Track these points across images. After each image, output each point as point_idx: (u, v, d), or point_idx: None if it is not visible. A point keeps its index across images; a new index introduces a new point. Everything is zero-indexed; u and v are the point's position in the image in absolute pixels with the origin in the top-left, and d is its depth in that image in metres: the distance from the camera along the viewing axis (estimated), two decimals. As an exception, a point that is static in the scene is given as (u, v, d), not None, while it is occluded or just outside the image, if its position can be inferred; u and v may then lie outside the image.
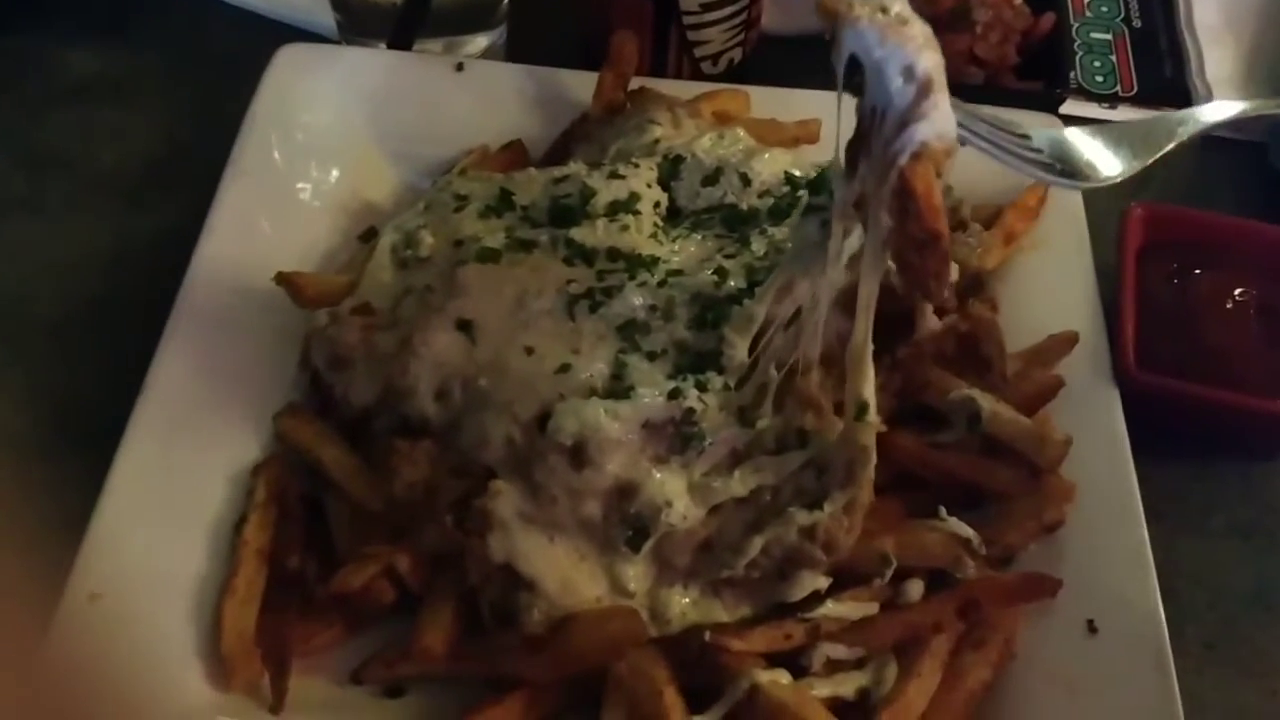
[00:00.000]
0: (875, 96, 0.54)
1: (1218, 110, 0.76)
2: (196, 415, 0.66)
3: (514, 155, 0.80)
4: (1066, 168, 0.69)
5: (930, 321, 0.67)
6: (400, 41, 0.85)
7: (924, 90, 0.53)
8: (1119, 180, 0.70)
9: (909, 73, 0.53)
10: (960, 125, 0.66)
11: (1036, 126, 0.72)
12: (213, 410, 0.66)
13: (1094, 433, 0.67)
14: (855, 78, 0.56)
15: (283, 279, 0.69)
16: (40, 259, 0.79)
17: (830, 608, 0.58)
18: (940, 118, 0.53)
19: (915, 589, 0.60)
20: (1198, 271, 0.76)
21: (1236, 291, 0.75)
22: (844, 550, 0.58)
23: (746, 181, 0.72)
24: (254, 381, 0.68)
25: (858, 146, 0.56)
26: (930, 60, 0.53)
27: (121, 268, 0.79)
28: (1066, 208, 0.78)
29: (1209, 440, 0.73)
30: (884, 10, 0.54)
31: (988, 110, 0.70)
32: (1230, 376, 0.71)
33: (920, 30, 0.54)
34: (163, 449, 0.64)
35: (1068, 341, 0.70)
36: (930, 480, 0.65)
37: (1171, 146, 0.72)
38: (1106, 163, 0.70)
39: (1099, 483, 0.65)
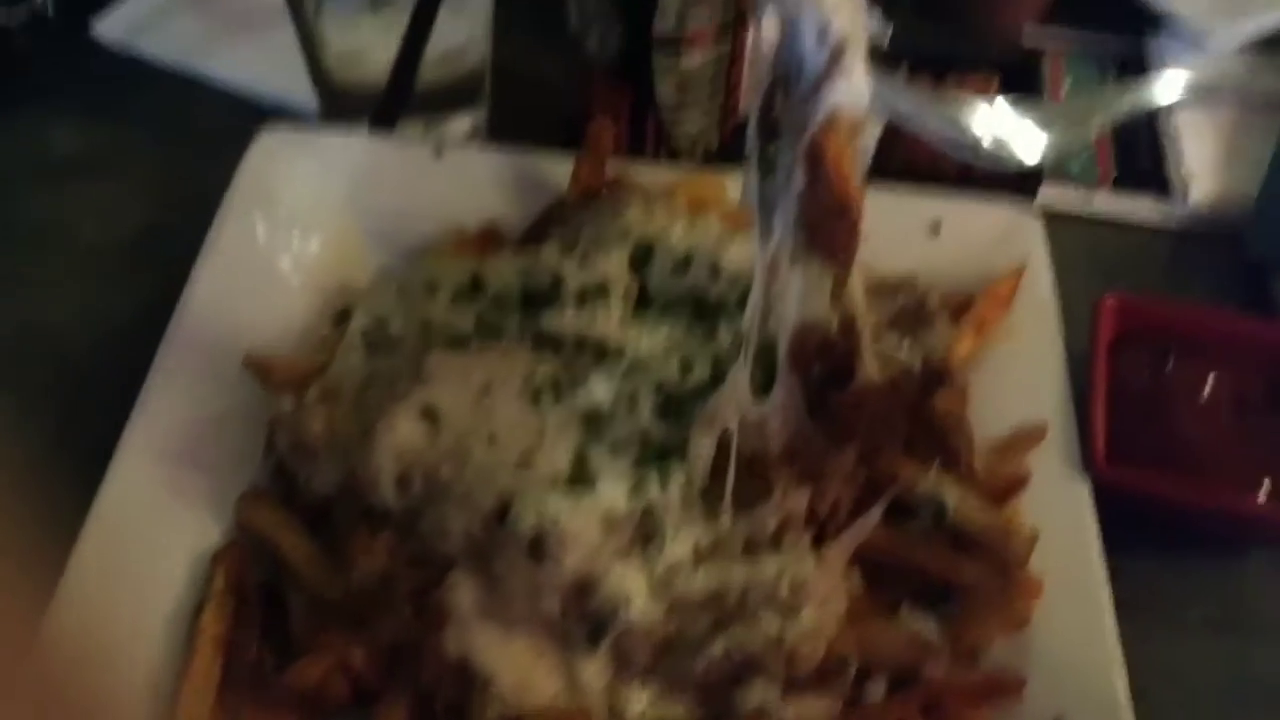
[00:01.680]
0: (789, 56, 0.54)
1: (1161, 87, 0.74)
2: (161, 499, 0.66)
3: (490, 239, 0.81)
4: (995, 147, 0.69)
5: (870, 369, 0.66)
6: (382, 124, 0.86)
7: (837, 52, 0.52)
8: (1046, 159, 0.69)
9: (822, 34, 0.52)
10: (887, 100, 0.66)
11: (971, 105, 0.71)
12: (177, 494, 0.66)
13: (1063, 526, 0.66)
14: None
15: (251, 362, 0.70)
16: (15, 337, 0.79)
17: (789, 710, 0.57)
18: (854, 84, 0.52)
19: (877, 689, 0.59)
20: (1171, 362, 0.76)
21: (1209, 383, 0.75)
22: (807, 667, 0.57)
23: (716, 270, 0.72)
24: (220, 464, 0.68)
25: (771, 101, 0.56)
26: (845, 21, 0.52)
27: (98, 346, 0.79)
28: (1038, 296, 0.78)
29: (1182, 533, 0.72)
30: None
31: (922, 90, 0.70)
32: (1204, 469, 0.71)
33: None
34: (126, 533, 0.64)
35: (1037, 434, 0.69)
36: (897, 573, 0.64)
37: (1103, 121, 0.72)
38: (1034, 142, 0.72)
39: (1068, 578, 0.64)
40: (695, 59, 0.80)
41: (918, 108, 0.65)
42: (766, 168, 0.58)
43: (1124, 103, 0.72)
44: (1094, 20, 1.04)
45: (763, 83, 0.57)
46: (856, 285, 0.60)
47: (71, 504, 0.65)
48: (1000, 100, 0.73)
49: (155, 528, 0.65)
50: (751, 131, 0.59)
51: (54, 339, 0.80)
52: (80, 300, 0.82)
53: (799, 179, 0.54)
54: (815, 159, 0.53)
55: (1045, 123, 0.69)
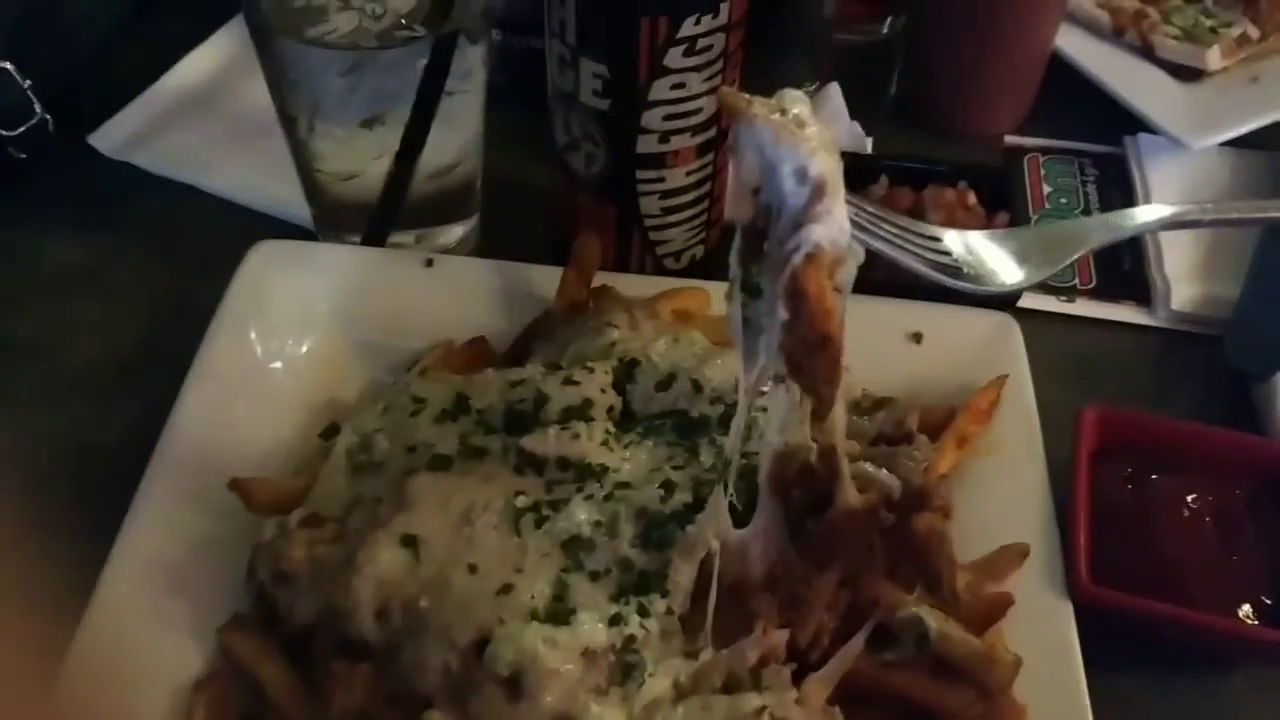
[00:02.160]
0: (769, 194, 0.55)
1: (1138, 215, 0.76)
2: (144, 626, 0.66)
3: (477, 352, 0.82)
4: (973, 271, 0.70)
5: (850, 496, 0.65)
6: (374, 237, 0.88)
7: (817, 193, 0.53)
8: (1024, 286, 0.72)
9: (802, 175, 0.53)
10: (865, 226, 0.68)
11: (950, 232, 0.72)
12: (161, 621, 0.66)
13: (1046, 650, 0.66)
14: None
15: (236, 485, 0.70)
16: (6, 456, 0.80)
17: None
18: (833, 223, 0.54)
19: (857, 824, 0.59)
20: (1153, 476, 0.76)
21: (1191, 498, 0.75)
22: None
23: (698, 388, 0.73)
24: (205, 590, 0.68)
25: (751, 241, 0.57)
26: (824, 164, 0.54)
27: (85, 465, 0.79)
28: (1020, 408, 0.78)
29: (1165, 650, 0.72)
30: (783, 111, 0.55)
31: (896, 216, 0.72)
32: (1186, 585, 0.71)
33: (816, 133, 0.55)
34: (108, 660, 0.64)
35: (1019, 555, 0.69)
36: (879, 699, 0.64)
37: (1081, 254, 0.73)
38: (1011, 269, 0.72)
39: (1050, 703, 0.64)
40: (679, 176, 0.82)
41: (895, 238, 0.66)
42: (751, 291, 0.59)
43: (1103, 233, 0.73)
44: (1073, 124, 1.06)
45: (743, 212, 0.58)
46: (838, 413, 0.61)
47: (54, 626, 0.65)
48: (976, 236, 0.75)
49: (137, 656, 0.65)
50: (734, 258, 0.60)
51: (41, 457, 0.80)
52: (70, 417, 0.83)
53: (781, 312, 0.55)
54: (797, 294, 0.54)
55: (1022, 255, 0.70)
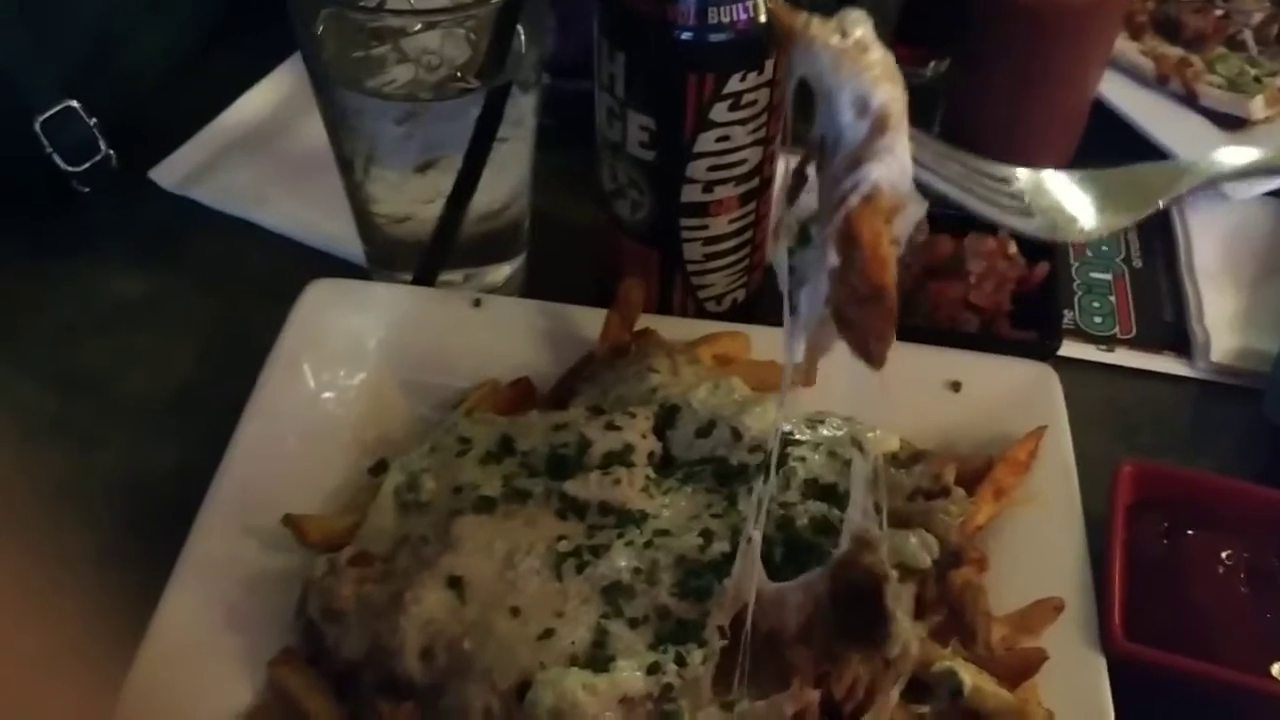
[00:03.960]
0: (825, 127, 0.50)
1: (1225, 157, 0.69)
2: (196, 658, 0.68)
3: (521, 393, 0.84)
4: (1046, 219, 0.64)
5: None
6: (425, 277, 0.90)
7: (878, 127, 0.48)
8: (1102, 234, 0.65)
9: (863, 106, 0.48)
10: (928, 165, 0.60)
11: (1023, 171, 0.66)
12: (212, 654, 0.68)
13: (1078, 705, 0.67)
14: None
15: (289, 521, 0.72)
16: (61, 488, 0.83)
17: None
18: (895, 163, 0.49)
19: None
20: (1189, 532, 0.76)
21: (1225, 554, 0.75)
22: None
23: (738, 436, 0.74)
24: (257, 623, 0.70)
25: (801, 180, 0.53)
26: (887, 93, 0.49)
27: (142, 498, 0.82)
28: (1058, 460, 0.79)
29: (1197, 708, 0.72)
30: (843, 34, 0.50)
31: (964, 154, 0.66)
32: (1219, 644, 0.71)
33: (880, 59, 0.50)
34: (162, 692, 0.66)
35: (1054, 609, 0.70)
36: (912, 751, 0.65)
37: (1165, 203, 0.66)
38: (1089, 215, 0.65)
39: (1083, 759, 0.65)
40: (722, 224, 0.84)
41: (962, 180, 0.62)
42: (803, 239, 0.55)
43: (1190, 177, 0.66)
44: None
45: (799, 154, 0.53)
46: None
47: (110, 657, 0.67)
48: (1051, 176, 0.68)
49: (190, 686, 0.67)
50: (781, 201, 0.56)
51: (97, 489, 0.83)
52: (125, 449, 0.85)
53: (831, 258, 0.50)
54: (850, 240, 0.49)
55: (1102, 200, 0.65)
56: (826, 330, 0.54)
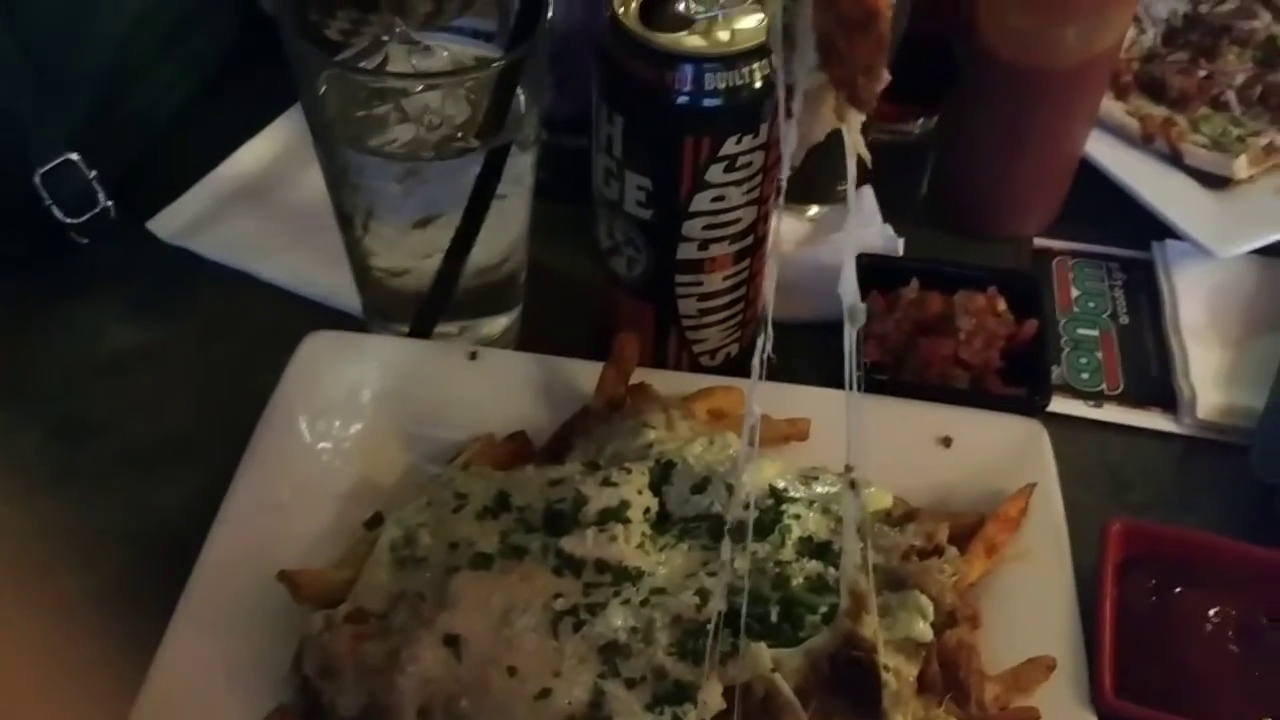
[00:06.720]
0: None
1: None
2: (190, 715, 0.68)
3: (517, 447, 0.84)
4: None
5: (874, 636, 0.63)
6: (421, 329, 0.91)
7: None
8: None
9: None
10: None
11: None
12: (206, 711, 0.69)
13: (1070, 764, 0.68)
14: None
15: (284, 577, 0.73)
16: (60, 535, 0.83)
17: None
18: None
19: None
20: (1177, 590, 0.77)
21: (1213, 611, 0.76)
22: None
23: (732, 492, 0.75)
24: (251, 680, 0.70)
25: None
26: None
27: (140, 545, 0.82)
28: (1048, 517, 0.80)
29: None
30: None
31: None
32: (1207, 702, 0.72)
33: None
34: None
35: (1046, 668, 0.71)
36: (905, 810, 0.66)
37: None
38: None
39: (1075, 819, 0.66)
40: (716, 280, 0.85)
41: None
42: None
43: None
44: (1101, 228, 1.09)
45: None
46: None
47: (105, 711, 0.67)
48: None
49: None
50: None
51: (95, 536, 0.83)
52: (123, 496, 0.86)
53: None
54: None
55: None
56: (818, 118, 0.52)
